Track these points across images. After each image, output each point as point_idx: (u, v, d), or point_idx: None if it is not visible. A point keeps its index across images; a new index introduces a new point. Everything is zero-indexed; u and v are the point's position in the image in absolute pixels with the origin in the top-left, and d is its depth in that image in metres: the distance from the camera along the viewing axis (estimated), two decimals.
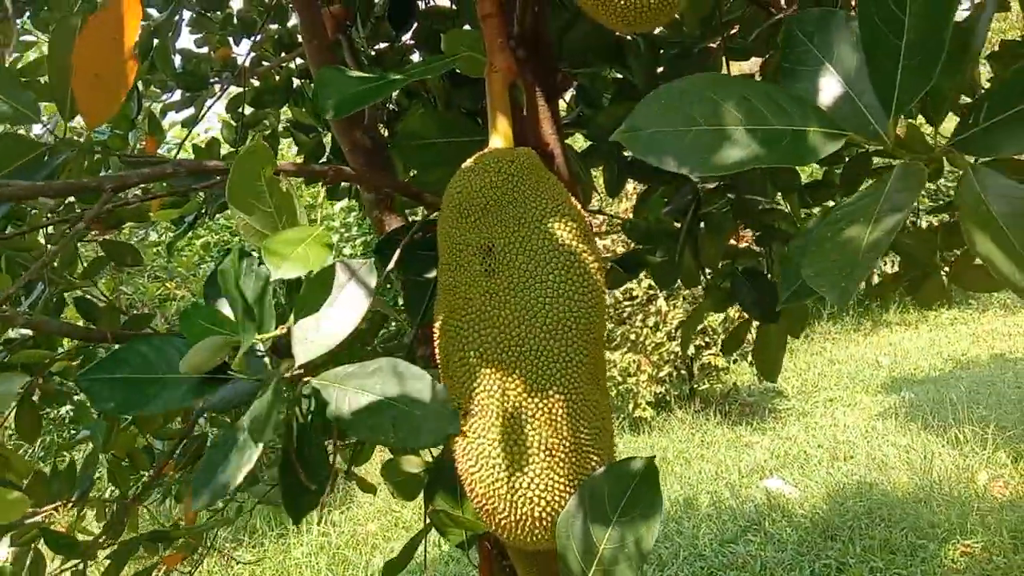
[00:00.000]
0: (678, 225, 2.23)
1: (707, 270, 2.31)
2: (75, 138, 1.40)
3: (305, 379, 0.98)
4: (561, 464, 1.10)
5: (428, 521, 1.44)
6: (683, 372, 8.36)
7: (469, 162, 1.18)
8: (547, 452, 1.10)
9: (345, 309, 0.98)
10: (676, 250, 2.20)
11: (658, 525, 1.08)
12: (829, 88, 0.74)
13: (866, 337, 10.98)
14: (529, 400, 1.09)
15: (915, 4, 0.63)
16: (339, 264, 1.02)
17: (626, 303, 8.20)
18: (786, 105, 0.67)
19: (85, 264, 2.65)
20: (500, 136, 1.23)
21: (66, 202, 2.14)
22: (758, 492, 5.90)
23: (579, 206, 1.19)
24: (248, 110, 3.15)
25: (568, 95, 2.40)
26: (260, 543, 6.24)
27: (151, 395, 0.90)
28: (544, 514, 1.10)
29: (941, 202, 2.36)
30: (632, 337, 8.15)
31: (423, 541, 1.52)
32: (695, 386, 8.43)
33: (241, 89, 3.06)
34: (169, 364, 0.93)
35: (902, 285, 2.33)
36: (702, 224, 2.27)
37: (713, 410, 8.12)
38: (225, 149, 3.22)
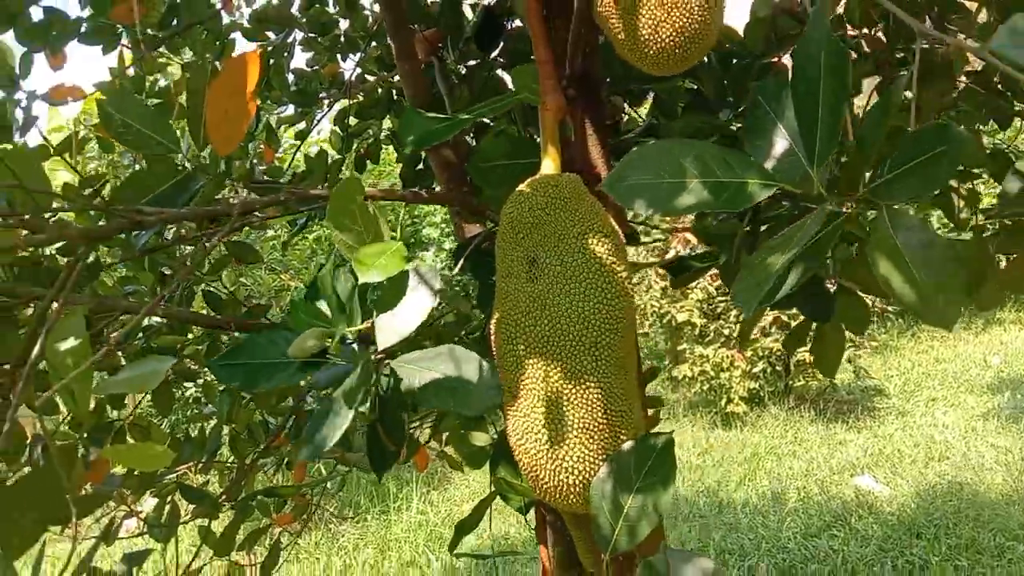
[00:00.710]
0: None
1: None
2: (206, 162, 1.71)
3: (386, 362, 1.24)
4: (593, 439, 1.32)
5: (493, 488, 1.69)
6: (778, 368, 8.35)
7: (522, 186, 1.41)
8: (582, 429, 1.33)
9: (415, 306, 1.23)
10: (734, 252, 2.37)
11: (672, 490, 1.29)
12: (779, 143, 0.94)
13: (977, 336, 10.62)
14: (566, 385, 1.31)
15: (826, 89, 0.82)
16: (412, 271, 1.27)
17: (720, 299, 8.25)
18: (732, 163, 0.87)
19: (211, 261, 3.02)
20: (550, 163, 1.45)
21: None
22: (847, 489, 5.92)
23: (614, 223, 1.40)
24: (353, 121, 3.47)
25: (646, 106, 2.59)
26: (364, 519, 6.67)
27: (266, 376, 1.18)
28: (578, 481, 1.32)
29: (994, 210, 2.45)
30: (726, 332, 8.20)
31: (489, 507, 1.77)
32: (790, 383, 8.41)
33: (347, 102, 3.39)
34: (279, 352, 1.21)
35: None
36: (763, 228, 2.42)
37: (808, 407, 8.10)
38: (333, 155, 3.56)
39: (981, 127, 2.81)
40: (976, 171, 2.64)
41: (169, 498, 2.02)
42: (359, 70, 3.46)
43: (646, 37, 1.29)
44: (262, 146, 3.64)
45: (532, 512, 1.70)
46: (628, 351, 1.38)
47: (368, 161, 3.65)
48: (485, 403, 1.15)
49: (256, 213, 1.58)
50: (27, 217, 1.19)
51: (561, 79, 1.52)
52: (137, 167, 2.86)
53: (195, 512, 1.85)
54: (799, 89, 0.85)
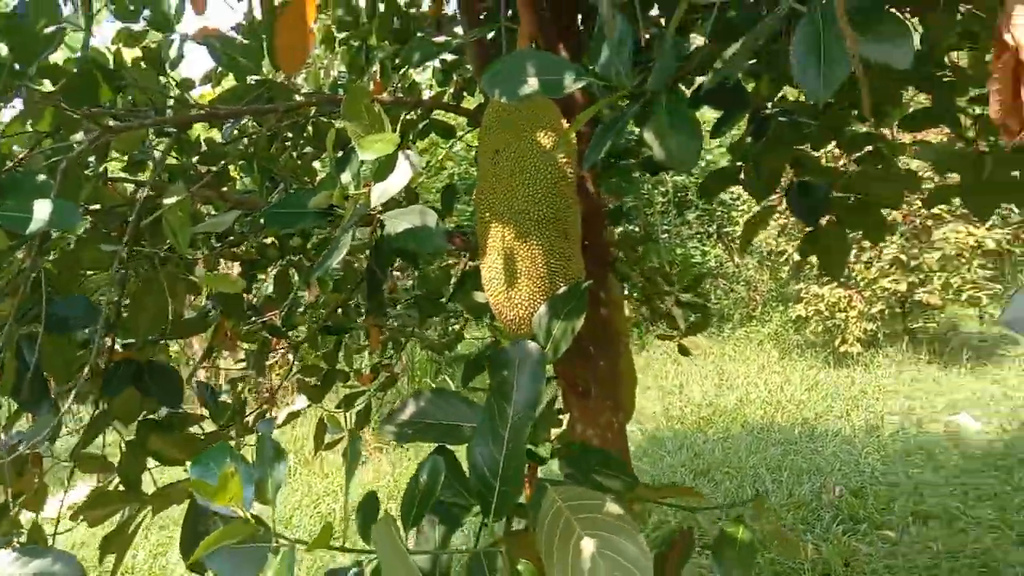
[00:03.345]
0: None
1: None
2: (282, 82, 2.24)
3: (379, 214, 1.74)
4: (535, 285, 1.77)
5: (491, 335, 2.18)
6: (897, 310, 8.27)
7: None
8: (528, 277, 1.78)
9: (399, 176, 1.71)
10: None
11: (582, 320, 1.71)
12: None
13: None
14: (517, 244, 1.76)
15: None
16: (400, 152, 1.75)
17: None
18: (558, 65, 1.29)
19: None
20: None
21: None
22: (942, 425, 5.97)
23: (561, 125, 1.82)
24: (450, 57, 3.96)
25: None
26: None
27: (295, 220, 1.71)
28: (526, 314, 1.78)
29: None
30: (844, 272, 8.20)
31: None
32: (909, 324, 8.32)
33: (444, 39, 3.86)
34: (305, 205, 1.74)
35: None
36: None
37: (924, 350, 8.01)
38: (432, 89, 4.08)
39: None
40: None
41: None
42: (458, 10, 3.94)
43: None
44: (374, 82, 4.19)
45: None
46: (569, 222, 1.80)
47: (464, 92, 4.13)
48: (436, 245, 1.62)
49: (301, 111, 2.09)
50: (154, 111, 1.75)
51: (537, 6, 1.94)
52: None
53: (284, 349, 2.44)
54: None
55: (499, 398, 1.37)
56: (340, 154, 1.82)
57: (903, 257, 7.74)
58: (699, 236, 10.81)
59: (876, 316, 8.16)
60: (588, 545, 1.20)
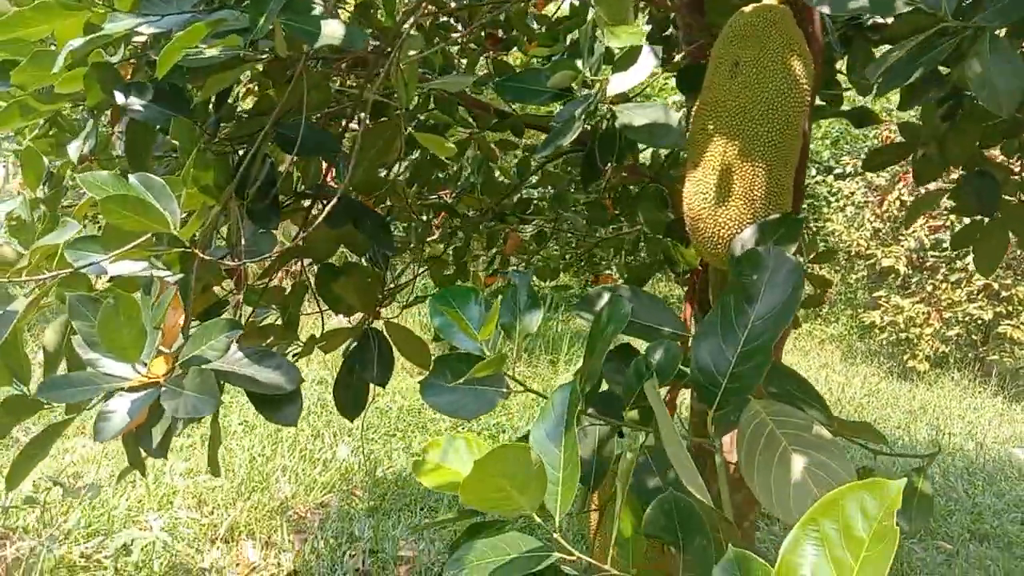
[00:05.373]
0: None
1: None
2: None
3: (610, 104, 1.75)
4: (747, 208, 1.77)
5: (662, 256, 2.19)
6: (974, 337, 8.13)
7: (745, 8, 1.84)
8: (741, 199, 1.78)
9: (640, 69, 1.71)
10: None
11: (794, 247, 1.72)
12: None
13: None
14: (738, 162, 1.76)
15: None
16: (646, 45, 1.75)
17: (932, 254, 8.07)
18: None
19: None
20: None
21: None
22: (1003, 455, 5.92)
23: (808, 51, 1.80)
24: None
25: None
26: None
27: (530, 96, 1.73)
28: (728, 235, 1.78)
29: None
30: (928, 288, 8.06)
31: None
32: (984, 354, 8.17)
33: None
34: (542, 83, 1.75)
35: None
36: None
37: (994, 382, 7.88)
38: None
39: None
40: None
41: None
42: None
43: None
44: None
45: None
46: (792, 150, 1.79)
47: None
48: (673, 140, 1.63)
49: None
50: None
51: None
52: None
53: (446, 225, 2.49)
54: None
55: (740, 297, 1.35)
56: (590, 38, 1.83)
57: (995, 286, 7.58)
58: None
59: (952, 339, 8.04)
60: (798, 461, 1.20)
